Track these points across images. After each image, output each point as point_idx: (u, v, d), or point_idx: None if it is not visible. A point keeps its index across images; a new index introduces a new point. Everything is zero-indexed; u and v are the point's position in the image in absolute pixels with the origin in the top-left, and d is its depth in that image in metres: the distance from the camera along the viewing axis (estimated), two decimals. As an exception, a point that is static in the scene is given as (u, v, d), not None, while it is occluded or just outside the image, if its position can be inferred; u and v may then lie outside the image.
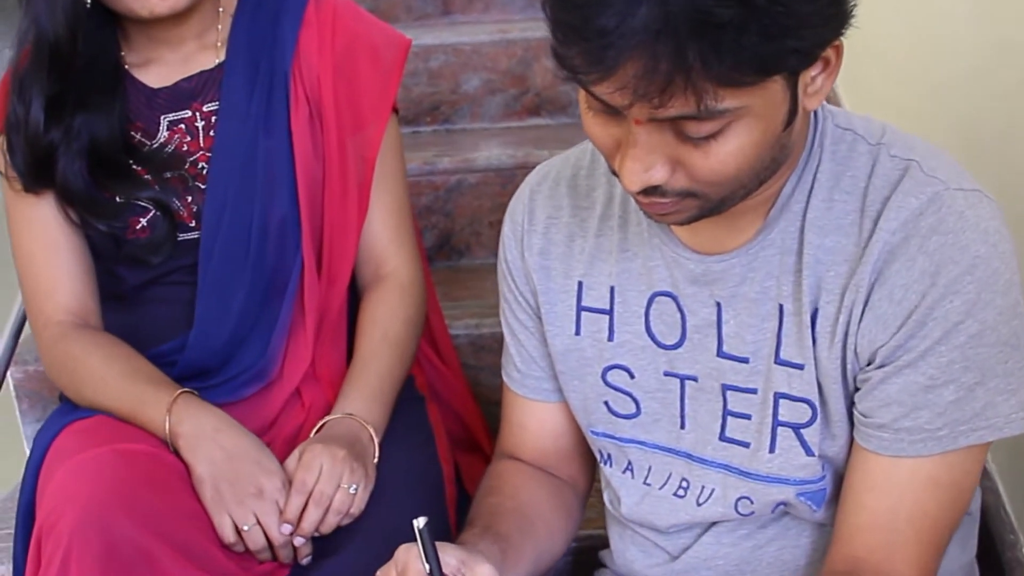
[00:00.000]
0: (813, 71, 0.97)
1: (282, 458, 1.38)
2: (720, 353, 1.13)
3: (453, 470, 1.54)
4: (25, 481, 1.37)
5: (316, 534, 1.34)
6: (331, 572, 1.30)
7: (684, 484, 1.18)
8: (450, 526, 1.44)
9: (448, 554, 1.02)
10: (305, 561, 1.34)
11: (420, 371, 1.65)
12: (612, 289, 1.18)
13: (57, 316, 1.46)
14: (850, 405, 1.09)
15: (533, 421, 1.31)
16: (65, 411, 1.44)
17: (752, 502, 1.15)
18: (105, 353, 1.42)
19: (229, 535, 1.30)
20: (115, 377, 1.40)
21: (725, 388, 1.13)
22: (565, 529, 1.29)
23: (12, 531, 1.40)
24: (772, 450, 1.12)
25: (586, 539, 1.53)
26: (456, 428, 1.67)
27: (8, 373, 1.84)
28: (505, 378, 1.32)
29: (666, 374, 1.16)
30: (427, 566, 1.01)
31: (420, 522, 1.00)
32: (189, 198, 1.49)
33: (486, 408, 1.76)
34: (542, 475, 1.30)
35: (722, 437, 1.15)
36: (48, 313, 1.47)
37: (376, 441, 1.41)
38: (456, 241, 2.23)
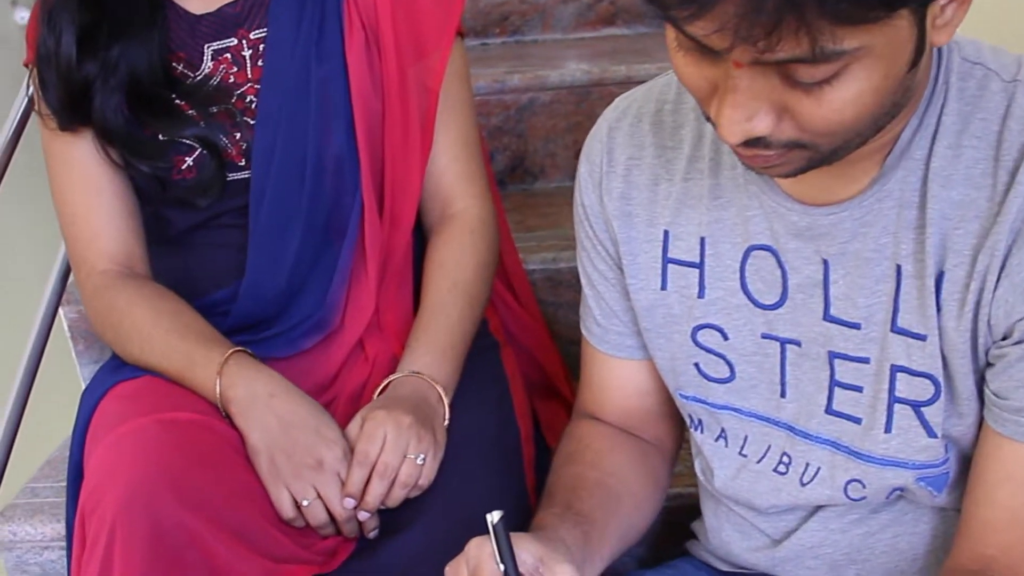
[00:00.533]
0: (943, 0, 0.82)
1: (345, 419, 1.28)
2: (827, 316, 1.00)
3: (531, 425, 1.43)
4: (73, 444, 1.29)
5: (382, 507, 1.24)
6: (400, 547, 1.20)
7: (785, 460, 1.06)
8: (528, 491, 1.33)
9: (525, 550, 0.93)
10: (372, 535, 1.24)
11: (494, 313, 1.53)
12: (703, 240, 1.06)
13: (100, 265, 1.36)
14: (980, 381, 0.95)
15: (615, 380, 1.19)
16: (112, 368, 1.34)
17: (864, 486, 1.02)
18: (151, 306, 1.32)
19: (288, 510, 1.21)
20: (162, 333, 1.30)
21: (832, 356, 1.01)
22: (652, 498, 1.18)
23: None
24: (888, 429, 0.99)
25: (675, 498, 1.41)
26: (534, 374, 1.55)
27: (62, 312, 1.75)
28: (584, 332, 1.21)
29: (764, 336, 1.04)
30: (502, 566, 0.90)
31: (494, 517, 0.90)
32: (237, 134, 1.37)
33: (565, 349, 1.64)
34: (626, 439, 1.19)
35: (829, 410, 1.02)
36: (91, 262, 1.37)
37: (446, 402, 1.30)
38: (530, 164, 2.10)
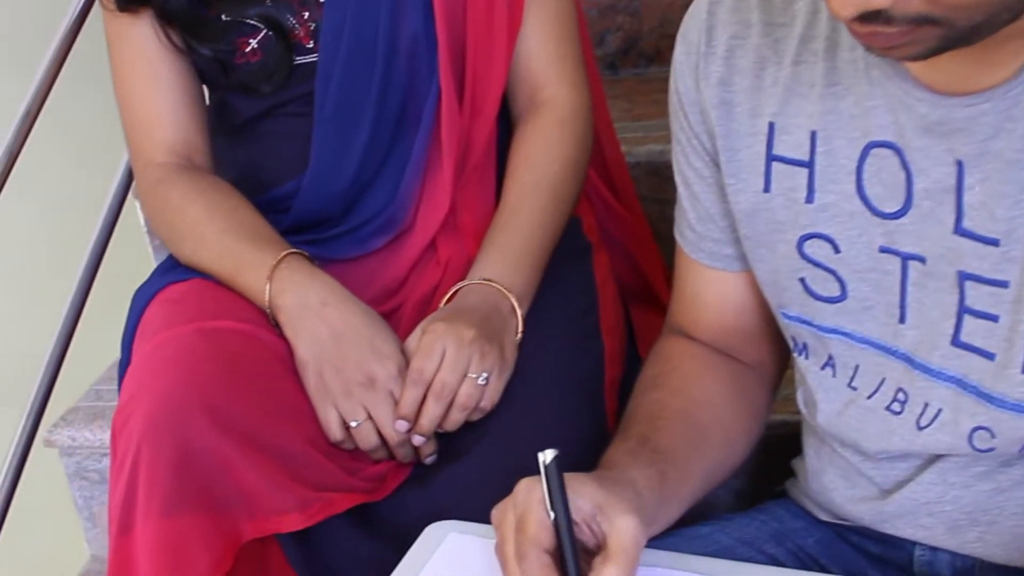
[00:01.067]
0: None
1: (412, 329, 1.15)
2: (958, 229, 0.84)
3: (622, 340, 1.28)
4: (122, 350, 1.19)
5: (440, 431, 1.12)
6: (457, 477, 1.09)
7: (901, 397, 0.91)
8: (607, 417, 1.19)
9: (583, 495, 0.80)
10: (429, 461, 1.13)
11: (589, 210, 1.38)
12: (813, 135, 0.90)
13: (158, 156, 1.25)
14: None
15: (710, 294, 1.05)
16: (164, 269, 1.24)
17: (993, 435, 0.86)
18: (207, 202, 1.21)
19: (335, 432, 1.10)
20: (216, 232, 1.19)
21: (963, 277, 0.85)
22: (748, 433, 1.04)
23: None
24: (1027, 369, 0.82)
25: (780, 426, 1.26)
26: (631, 278, 1.41)
27: (137, 206, 1.66)
28: (678, 237, 1.07)
29: (883, 250, 0.88)
30: (552, 513, 0.78)
31: (546, 456, 0.78)
32: (306, 14, 1.24)
33: (667, 250, 1.47)
34: (720, 361, 1.05)
35: (956, 341, 0.87)
36: (149, 152, 1.26)
37: (519, 314, 1.17)
38: (644, 46, 1.93)
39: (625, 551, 0.78)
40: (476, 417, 1.11)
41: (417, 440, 1.10)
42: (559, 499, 0.78)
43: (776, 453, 1.19)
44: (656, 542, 0.90)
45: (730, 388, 1.03)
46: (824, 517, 1.02)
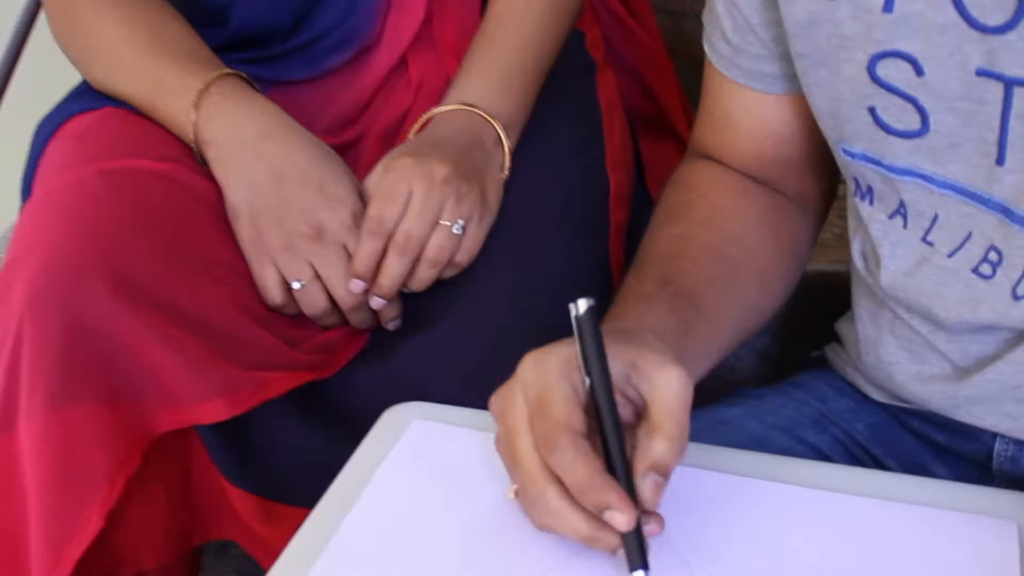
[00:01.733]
0: None
1: (374, 166, 0.95)
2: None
3: (630, 176, 1.08)
4: (22, 201, 0.98)
5: (406, 291, 0.92)
6: (427, 348, 0.89)
7: (993, 258, 0.71)
8: (610, 268, 0.99)
9: (609, 356, 0.62)
10: (392, 327, 0.93)
11: (594, 23, 1.15)
12: None
13: None
14: None
15: (745, 118, 0.85)
16: (73, 96, 1.02)
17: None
18: (123, 16, 0.98)
19: (274, 294, 0.90)
20: (134, 51, 0.97)
21: None
22: (787, 274, 0.85)
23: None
24: None
25: (816, 278, 1.07)
26: (641, 104, 1.19)
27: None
28: (707, 49, 0.86)
29: (980, 73, 0.67)
30: (588, 379, 0.61)
31: (580, 306, 0.62)
32: None
33: (684, 73, 1.26)
34: (756, 190, 0.85)
35: (1066, 188, 0.67)
36: None
37: (507, 146, 0.96)
38: None
39: (673, 416, 0.61)
40: (450, 274, 0.92)
41: (376, 303, 0.90)
42: (596, 359, 0.60)
43: (811, 311, 1.00)
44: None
45: (767, 221, 0.84)
46: (878, 397, 0.83)
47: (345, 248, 0.90)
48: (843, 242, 1.13)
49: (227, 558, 1.23)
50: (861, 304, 0.82)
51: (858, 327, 0.82)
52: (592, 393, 0.61)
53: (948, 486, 0.71)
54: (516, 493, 0.63)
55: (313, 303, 0.90)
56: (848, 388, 0.85)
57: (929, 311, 0.74)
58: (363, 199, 0.91)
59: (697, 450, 0.70)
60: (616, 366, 0.62)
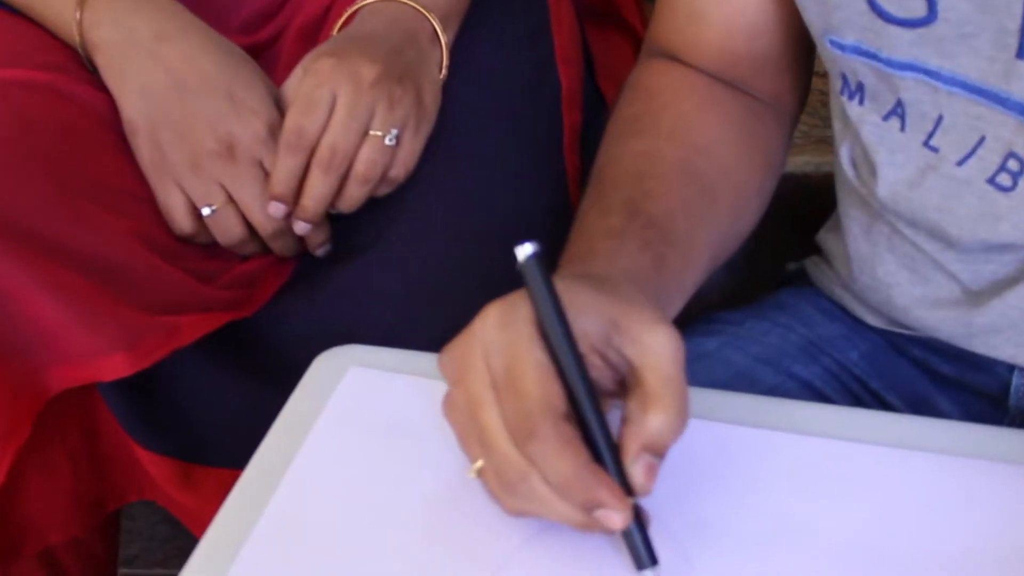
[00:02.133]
0: None
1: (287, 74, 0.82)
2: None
3: (579, 78, 0.96)
4: None
5: (333, 211, 0.80)
6: (363, 280, 0.78)
7: (1013, 166, 0.61)
8: (567, 181, 0.89)
9: (584, 312, 0.51)
10: (321, 253, 0.82)
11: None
12: None
13: None
14: None
15: (716, 7, 0.74)
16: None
17: None
18: None
19: (181, 222, 0.78)
20: None
21: None
22: (761, 190, 0.75)
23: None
24: None
25: (785, 181, 0.97)
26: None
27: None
28: None
29: None
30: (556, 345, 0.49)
31: (526, 250, 0.49)
32: None
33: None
34: (727, 95, 0.74)
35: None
36: None
37: (444, 42, 0.83)
38: None
39: (670, 384, 0.50)
40: (385, 192, 0.80)
41: (300, 228, 0.79)
42: (554, 321, 0.49)
43: (779, 217, 0.91)
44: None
45: (740, 130, 0.73)
46: (873, 322, 0.74)
47: (261, 165, 0.78)
48: (810, 140, 1.03)
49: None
50: (851, 216, 0.72)
51: (848, 242, 0.73)
52: (554, 359, 0.49)
53: (962, 428, 0.62)
54: (480, 473, 0.52)
55: (227, 230, 0.78)
56: (837, 311, 0.76)
57: (937, 227, 0.65)
58: (280, 108, 0.79)
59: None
60: (594, 324, 0.51)
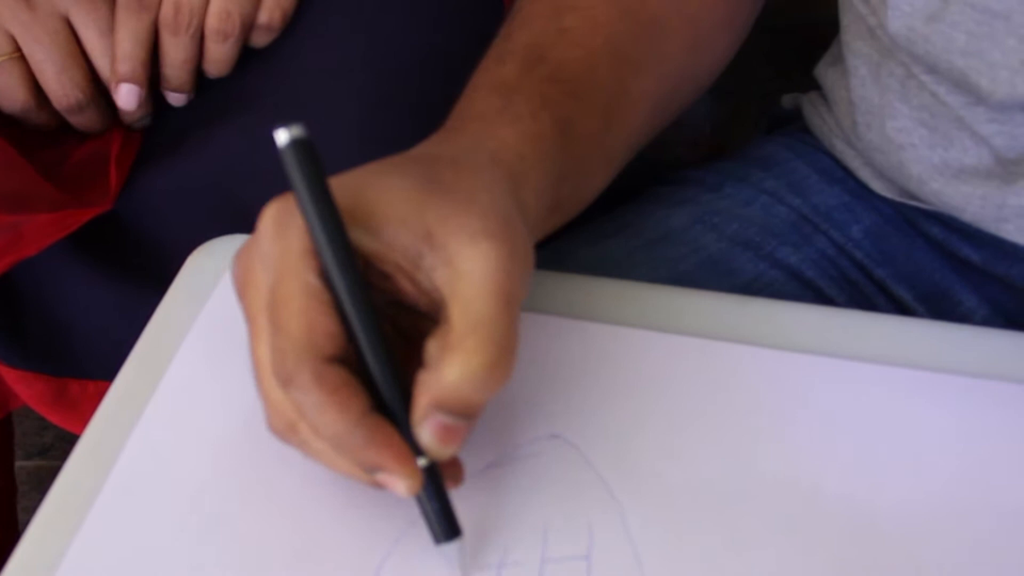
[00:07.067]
0: None
1: None
2: None
3: None
4: None
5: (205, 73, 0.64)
6: (247, 145, 0.63)
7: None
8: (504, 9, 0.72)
9: (386, 215, 0.38)
10: (140, 125, 0.65)
11: None
12: None
13: None
14: None
15: None
16: None
17: None
18: None
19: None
20: None
21: None
22: (729, 18, 0.56)
23: None
24: None
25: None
26: None
27: None
28: None
29: None
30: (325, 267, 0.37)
31: (286, 135, 0.37)
32: None
33: None
34: None
35: None
36: None
37: None
38: None
39: (480, 324, 0.36)
40: (265, 40, 0.64)
41: (175, 100, 0.63)
42: (319, 230, 0.37)
43: (763, 41, 0.75)
44: (596, 262, 0.49)
45: None
46: (881, 189, 0.59)
47: (68, 23, 0.61)
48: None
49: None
50: (853, 49, 0.57)
51: (852, 84, 0.57)
52: (326, 278, 0.37)
53: (1003, 338, 0.48)
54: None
55: (7, 92, 0.62)
56: (838, 171, 0.61)
57: (963, 76, 0.49)
58: None
59: (630, 291, 0.48)
60: (403, 236, 0.37)
